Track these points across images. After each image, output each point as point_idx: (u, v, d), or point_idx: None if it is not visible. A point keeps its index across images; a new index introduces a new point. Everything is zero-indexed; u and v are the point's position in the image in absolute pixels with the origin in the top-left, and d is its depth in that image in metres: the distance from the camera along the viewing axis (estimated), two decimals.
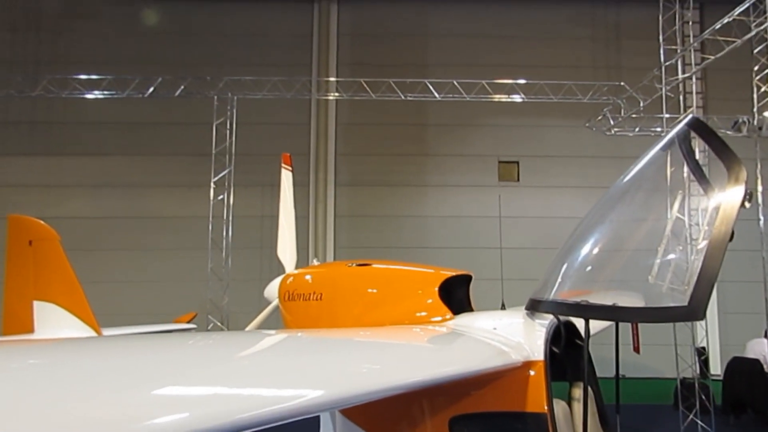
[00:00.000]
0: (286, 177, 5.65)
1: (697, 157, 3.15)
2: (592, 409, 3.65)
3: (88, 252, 11.60)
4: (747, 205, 2.65)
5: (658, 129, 11.24)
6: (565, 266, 3.28)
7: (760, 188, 9.60)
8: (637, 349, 3.05)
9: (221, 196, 9.96)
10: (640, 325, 3.12)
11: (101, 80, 11.60)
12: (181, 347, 2.34)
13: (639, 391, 11.07)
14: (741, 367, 10.16)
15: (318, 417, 3.96)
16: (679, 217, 3.06)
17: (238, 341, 2.70)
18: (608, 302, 3.00)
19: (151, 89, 11.08)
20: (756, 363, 9.86)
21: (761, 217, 9.83)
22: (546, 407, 2.90)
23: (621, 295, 3.07)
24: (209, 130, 10.26)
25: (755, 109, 9.54)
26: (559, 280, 3.22)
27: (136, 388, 1.65)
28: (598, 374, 3.93)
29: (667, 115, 9.59)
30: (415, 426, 3.30)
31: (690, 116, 3.16)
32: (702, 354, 10.07)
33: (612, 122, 11.73)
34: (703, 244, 2.69)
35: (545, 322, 3.22)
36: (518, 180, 15.08)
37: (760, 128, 9.37)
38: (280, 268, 5.23)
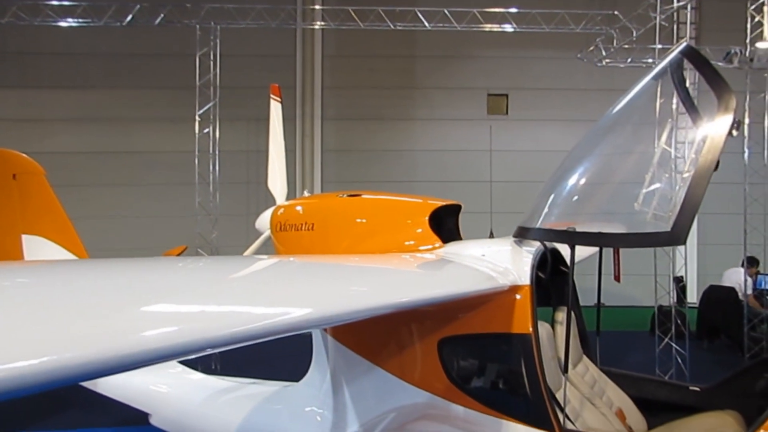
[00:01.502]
0: (275, 108, 5.56)
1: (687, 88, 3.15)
2: (574, 332, 3.82)
3: (72, 188, 11.47)
4: (734, 133, 2.69)
5: (650, 60, 11.10)
6: (553, 196, 3.33)
7: (747, 121, 9.64)
8: (617, 278, 3.15)
9: (207, 130, 9.79)
10: (621, 255, 3.20)
11: (75, 7, 11.08)
12: (171, 268, 2.35)
13: (618, 318, 11.47)
14: (717, 295, 10.55)
15: (311, 343, 4.09)
16: (665, 148, 3.09)
17: (229, 264, 2.73)
18: (594, 230, 3.09)
19: (130, 17, 10.63)
20: (732, 291, 10.24)
21: (746, 150, 9.93)
22: (531, 329, 3.02)
23: (606, 224, 3.15)
24: (192, 61, 9.96)
25: (748, 40, 9.44)
26: (546, 209, 3.28)
27: (126, 304, 1.65)
28: (580, 302, 4.09)
29: (659, 46, 9.46)
30: (405, 348, 3.42)
31: (684, 44, 3.13)
32: (680, 282, 10.42)
33: (604, 53, 11.54)
34: (689, 172, 2.74)
35: (532, 249, 3.30)
36: (507, 113, 14.98)
37: (752, 60, 9.31)
38: (268, 201, 5.23)
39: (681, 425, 3.57)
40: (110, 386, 4.87)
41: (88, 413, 6.85)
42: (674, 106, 3.23)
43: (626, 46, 11.01)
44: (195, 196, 9.93)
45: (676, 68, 3.09)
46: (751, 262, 10.23)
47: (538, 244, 3.30)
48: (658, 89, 3.21)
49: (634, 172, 3.13)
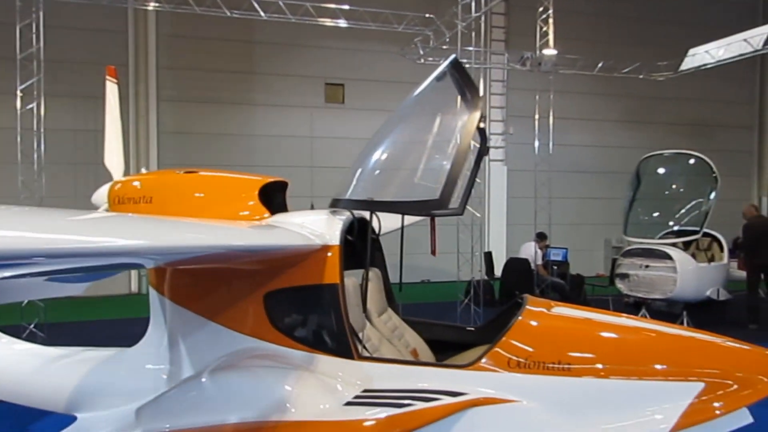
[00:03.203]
0: (111, 90, 5.66)
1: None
2: (379, 286, 4.64)
3: None
4: (482, 125, 3.65)
5: (464, 60, 12.60)
6: (359, 171, 4.10)
7: (537, 116, 11.45)
8: (434, 252, 3.89)
9: (30, 106, 9.24)
10: (438, 234, 3.97)
11: None
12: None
13: (438, 291, 12.98)
14: (514, 266, 12.39)
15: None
16: (451, 135, 3.96)
17: (64, 211, 2.62)
18: (388, 200, 3.91)
19: None
20: (525, 262, 12.11)
21: (537, 142, 11.78)
22: (339, 280, 3.74)
23: (400, 195, 3.99)
24: (11, 31, 9.30)
25: (537, 46, 11.19)
26: (354, 183, 4.03)
27: None
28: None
29: (470, 48, 10.86)
30: (236, 302, 3.97)
31: (452, 56, 4.06)
32: (488, 257, 12.05)
33: (422, 52, 12.79)
34: (452, 153, 3.66)
35: (343, 217, 4.03)
36: (343, 102, 15.84)
37: (539, 64, 11.09)
38: (98, 182, 5.31)
39: (458, 358, 4.55)
40: None
41: None
42: (457, 100, 4.13)
43: (444, 47, 12.37)
44: (18, 176, 9.36)
45: (452, 72, 4.01)
46: (540, 237, 12.20)
47: (348, 212, 4.04)
48: (448, 87, 4.10)
49: (418, 154, 3.99)
